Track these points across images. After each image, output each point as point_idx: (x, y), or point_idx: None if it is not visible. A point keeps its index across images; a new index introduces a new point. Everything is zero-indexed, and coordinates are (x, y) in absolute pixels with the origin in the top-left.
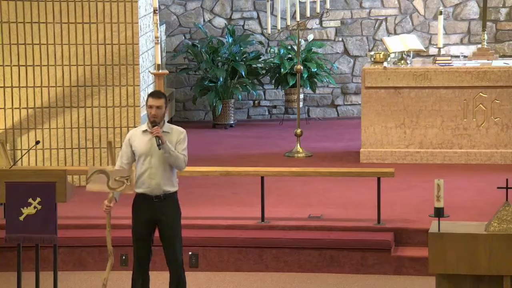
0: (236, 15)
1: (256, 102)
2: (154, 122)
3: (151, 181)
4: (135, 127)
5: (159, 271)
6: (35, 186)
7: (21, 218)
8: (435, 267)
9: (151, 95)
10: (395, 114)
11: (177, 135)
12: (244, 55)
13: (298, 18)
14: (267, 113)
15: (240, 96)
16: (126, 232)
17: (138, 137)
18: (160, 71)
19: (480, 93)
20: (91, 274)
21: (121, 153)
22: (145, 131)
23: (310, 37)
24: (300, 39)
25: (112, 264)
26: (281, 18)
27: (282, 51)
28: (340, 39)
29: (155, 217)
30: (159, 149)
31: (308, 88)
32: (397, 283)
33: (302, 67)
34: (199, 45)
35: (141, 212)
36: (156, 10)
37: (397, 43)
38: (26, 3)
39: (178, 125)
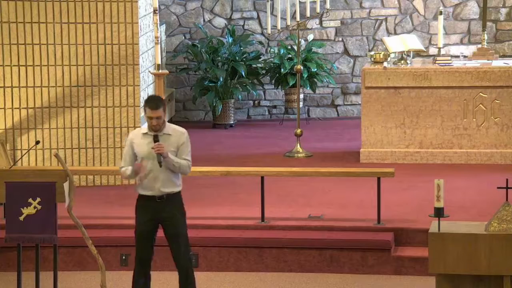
0: (236, 15)
1: (256, 102)
2: (156, 137)
3: (153, 184)
4: (135, 127)
5: (159, 271)
6: (35, 186)
7: (21, 218)
8: (435, 267)
9: (149, 105)
10: (395, 114)
11: (178, 137)
12: (244, 55)
13: (298, 18)
14: (267, 113)
15: (240, 96)
16: (125, 232)
17: (139, 139)
18: (160, 71)
19: (480, 93)
20: (91, 274)
21: (124, 154)
22: (145, 133)
23: (310, 37)
24: (300, 39)
25: (102, 264)
26: (281, 18)
27: (282, 51)
28: (340, 39)
29: (158, 217)
30: (160, 166)
31: (308, 88)
32: (397, 283)
33: (302, 67)
34: (199, 45)
35: (144, 212)
36: (156, 10)
37: (397, 43)
38: (26, 3)
39: (178, 125)
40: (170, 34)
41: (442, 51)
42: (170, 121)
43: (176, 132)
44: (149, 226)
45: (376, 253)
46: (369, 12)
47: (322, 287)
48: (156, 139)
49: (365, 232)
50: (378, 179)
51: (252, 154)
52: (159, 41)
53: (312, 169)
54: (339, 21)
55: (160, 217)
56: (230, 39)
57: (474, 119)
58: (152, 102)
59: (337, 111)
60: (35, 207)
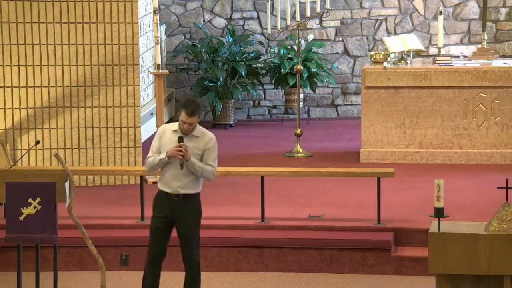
0: (236, 15)
1: (256, 102)
2: (181, 139)
3: (172, 182)
4: (135, 127)
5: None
6: (35, 186)
7: (21, 218)
8: (435, 267)
9: (185, 111)
10: (395, 114)
11: (205, 142)
12: (244, 55)
13: (298, 18)
14: (267, 113)
15: (240, 96)
16: (126, 232)
17: (168, 135)
18: (160, 71)
19: (480, 93)
20: (91, 274)
21: (153, 146)
22: (175, 130)
23: (310, 37)
24: (300, 39)
25: (102, 264)
26: (281, 18)
27: (282, 51)
28: (340, 39)
29: (172, 215)
30: (181, 168)
31: (308, 88)
32: (397, 283)
33: (302, 67)
34: (199, 45)
35: (161, 208)
36: (156, 10)
37: (397, 43)
38: (26, 3)
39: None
40: (170, 34)
41: (442, 51)
42: (171, 120)
43: (203, 136)
44: (162, 222)
45: (376, 253)
46: (369, 12)
47: (322, 287)
48: (180, 140)
49: (365, 232)
50: (378, 179)
51: (252, 154)
52: (159, 41)
53: (312, 169)
54: (339, 21)
55: (174, 216)
56: (230, 39)
57: (474, 119)
58: (189, 108)
59: (337, 111)
60: (35, 207)
